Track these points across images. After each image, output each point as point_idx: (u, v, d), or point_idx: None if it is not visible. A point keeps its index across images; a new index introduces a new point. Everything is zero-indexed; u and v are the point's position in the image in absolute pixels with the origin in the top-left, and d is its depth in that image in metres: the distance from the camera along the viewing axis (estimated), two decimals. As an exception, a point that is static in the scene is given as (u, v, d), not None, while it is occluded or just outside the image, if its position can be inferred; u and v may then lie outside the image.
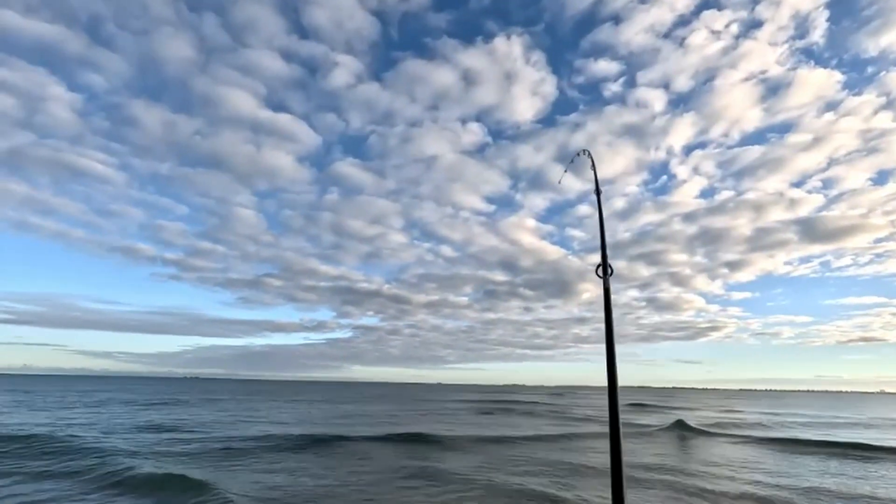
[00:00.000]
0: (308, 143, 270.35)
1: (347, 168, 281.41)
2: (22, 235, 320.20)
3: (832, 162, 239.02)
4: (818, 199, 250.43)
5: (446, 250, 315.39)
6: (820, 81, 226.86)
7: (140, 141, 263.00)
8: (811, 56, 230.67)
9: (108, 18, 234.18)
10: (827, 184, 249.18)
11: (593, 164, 3.83)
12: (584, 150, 4.00)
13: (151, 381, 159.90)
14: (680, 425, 25.44)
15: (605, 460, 14.04)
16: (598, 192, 3.70)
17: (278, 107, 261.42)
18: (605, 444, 16.37)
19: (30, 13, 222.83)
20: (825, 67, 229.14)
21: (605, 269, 3.24)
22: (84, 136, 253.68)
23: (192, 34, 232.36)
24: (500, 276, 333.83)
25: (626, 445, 17.88)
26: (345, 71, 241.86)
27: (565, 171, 4.23)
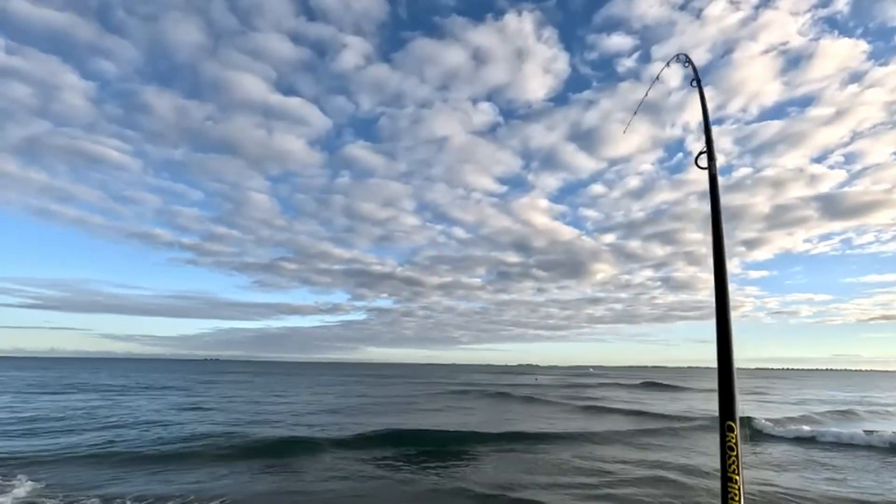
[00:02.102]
0: (319, 126, 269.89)
1: (358, 151, 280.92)
2: (44, 223, 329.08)
3: (855, 136, 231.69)
4: (840, 175, 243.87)
5: (459, 232, 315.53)
6: (844, 52, 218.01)
7: (153, 127, 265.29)
8: (834, 25, 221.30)
9: (118, 4, 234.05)
10: (849, 158, 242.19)
11: (694, 68, 3.06)
12: (682, 55, 3.23)
13: (171, 364, 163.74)
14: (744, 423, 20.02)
15: (640, 467, 11.23)
16: (698, 81, 2.96)
17: (288, 90, 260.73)
18: (635, 442, 14.09)
19: (41, 2, 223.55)
20: (849, 37, 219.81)
21: (710, 154, 2.54)
22: (98, 124, 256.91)
23: (201, 18, 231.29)
24: (512, 258, 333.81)
25: (668, 449, 13.47)
26: (354, 52, 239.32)
27: (657, 78, 3.53)
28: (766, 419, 19.26)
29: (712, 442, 14.64)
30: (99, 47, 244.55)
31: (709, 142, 2.54)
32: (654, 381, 57.95)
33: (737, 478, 2.01)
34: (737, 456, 2.05)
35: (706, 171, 2.51)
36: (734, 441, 2.08)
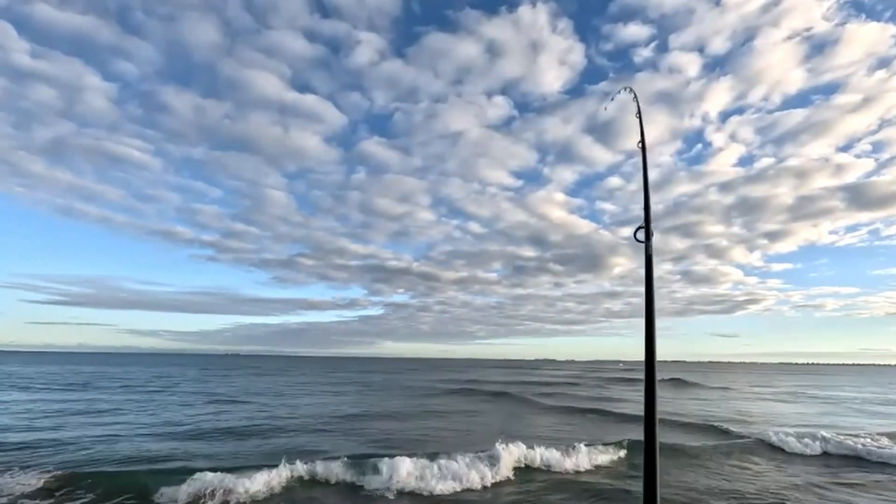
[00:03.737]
0: (334, 123, 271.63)
1: (373, 147, 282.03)
2: (70, 221, 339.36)
3: (884, 123, 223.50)
4: (867, 164, 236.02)
5: (474, 227, 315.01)
6: (871, 37, 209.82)
7: (173, 127, 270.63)
8: (861, 9, 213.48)
9: (136, 6, 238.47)
10: (877, 147, 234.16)
11: (639, 109, 2.82)
12: (626, 88, 2.99)
13: (194, 358, 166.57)
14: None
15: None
16: (642, 143, 2.69)
17: (303, 87, 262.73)
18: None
19: (64, 5, 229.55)
20: (877, 21, 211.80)
21: (647, 233, 2.28)
22: (120, 124, 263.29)
23: (217, 18, 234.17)
24: (528, 252, 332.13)
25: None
26: (367, 48, 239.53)
27: (605, 108, 3.31)
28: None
29: (759, 467, 11.76)
30: (119, 49, 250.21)
31: (647, 217, 2.28)
32: (681, 377, 53.12)
33: None
34: None
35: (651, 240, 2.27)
36: None
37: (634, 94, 2.93)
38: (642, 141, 2.73)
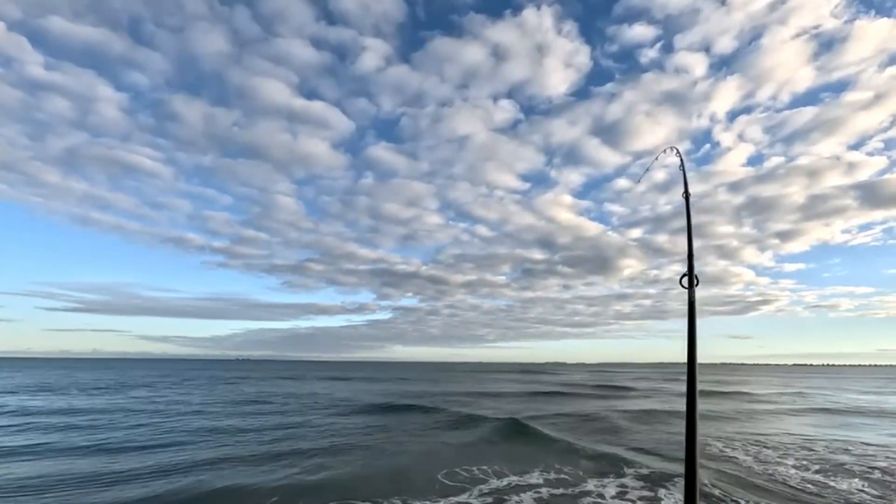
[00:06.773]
0: (342, 129, 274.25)
1: (381, 152, 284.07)
2: (85, 229, 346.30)
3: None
4: (880, 162, 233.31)
5: (482, 230, 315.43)
6: (881, 33, 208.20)
7: (183, 135, 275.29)
8: (870, 5, 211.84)
9: (147, 18, 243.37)
10: (890, 144, 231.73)
11: (682, 164, 3.22)
12: (672, 147, 3.42)
13: (208, 363, 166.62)
14: None
15: None
16: (686, 195, 3.11)
17: (311, 94, 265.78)
18: None
19: (77, 18, 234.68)
20: (888, 17, 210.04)
21: (690, 280, 2.71)
22: (132, 133, 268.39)
23: (225, 27, 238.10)
24: (537, 255, 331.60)
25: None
26: (373, 54, 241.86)
27: (647, 170, 3.71)
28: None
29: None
30: (131, 60, 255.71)
31: (690, 266, 2.73)
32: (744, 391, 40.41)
33: None
34: None
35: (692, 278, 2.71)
36: None
37: (678, 152, 3.34)
38: (686, 193, 3.13)
